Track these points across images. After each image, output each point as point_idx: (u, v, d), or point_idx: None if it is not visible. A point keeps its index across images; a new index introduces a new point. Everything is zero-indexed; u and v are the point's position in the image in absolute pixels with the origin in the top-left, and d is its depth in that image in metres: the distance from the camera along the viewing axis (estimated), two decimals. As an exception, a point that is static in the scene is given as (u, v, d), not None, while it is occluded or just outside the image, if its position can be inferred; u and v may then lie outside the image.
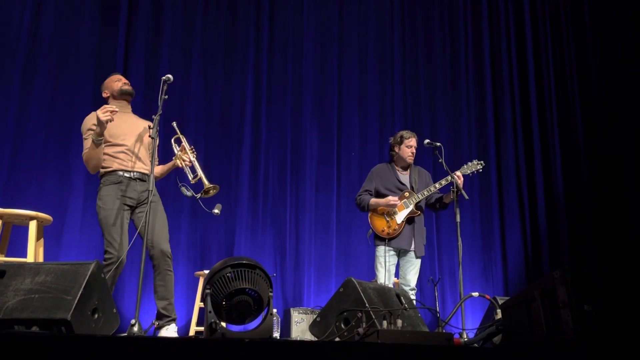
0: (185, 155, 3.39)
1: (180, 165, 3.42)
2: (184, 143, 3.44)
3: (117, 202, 3.26)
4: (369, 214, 4.06)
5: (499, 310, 3.20)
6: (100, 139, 3.25)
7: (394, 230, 3.92)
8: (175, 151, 3.46)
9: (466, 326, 3.74)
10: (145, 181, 3.38)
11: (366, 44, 6.57)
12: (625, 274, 2.15)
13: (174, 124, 3.51)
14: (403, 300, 2.82)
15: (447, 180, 3.92)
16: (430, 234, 6.18)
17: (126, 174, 3.33)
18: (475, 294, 3.70)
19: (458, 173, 3.92)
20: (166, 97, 3.42)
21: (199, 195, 3.27)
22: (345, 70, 6.43)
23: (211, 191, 3.31)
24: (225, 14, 6.10)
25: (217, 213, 3.39)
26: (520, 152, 6.57)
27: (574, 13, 6.79)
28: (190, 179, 3.34)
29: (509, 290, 6.11)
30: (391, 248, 3.93)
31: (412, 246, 3.96)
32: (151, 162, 3.03)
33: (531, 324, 2.16)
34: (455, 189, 3.87)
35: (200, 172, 3.33)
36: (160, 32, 5.82)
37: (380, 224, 3.97)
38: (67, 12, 5.50)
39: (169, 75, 3.37)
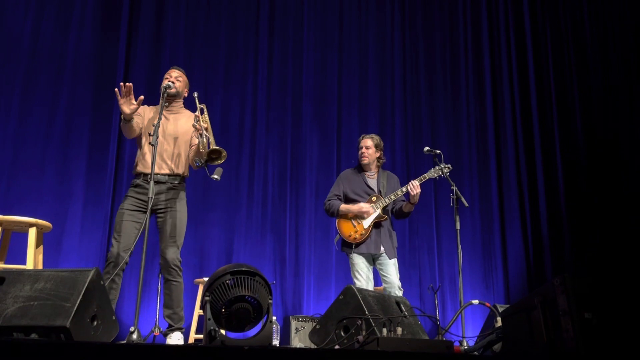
0: (198, 124, 3.28)
1: (197, 129, 3.29)
2: (199, 112, 3.35)
3: (130, 204, 3.29)
4: (337, 219, 4.02)
5: (499, 318, 3.19)
6: (129, 120, 3.24)
7: (361, 235, 3.88)
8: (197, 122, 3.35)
9: (466, 334, 3.73)
10: (164, 183, 3.35)
11: (366, 51, 6.60)
12: (627, 280, 2.15)
13: (195, 94, 3.47)
14: (403, 308, 2.82)
15: (407, 189, 3.89)
16: (430, 241, 6.17)
17: (144, 177, 3.33)
18: (476, 301, 3.69)
19: (415, 183, 3.88)
20: (166, 104, 3.43)
21: (204, 161, 3.23)
22: (345, 78, 6.45)
23: (217, 158, 3.21)
24: (226, 22, 6.12)
25: (217, 178, 3.27)
26: (521, 159, 6.57)
27: (574, 18, 6.81)
28: (201, 146, 3.24)
29: (510, 298, 6.09)
30: (362, 254, 3.89)
31: (382, 249, 3.91)
32: (151, 167, 3.03)
33: (531, 332, 2.16)
34: (454, 196, 3.86)
35: (211, 137, 3.24)
36: (160, 40, 5.85)
37: (347, 229, 3.93)
38: (68, 20, 5.53)
39: (169, 83, 3.38)
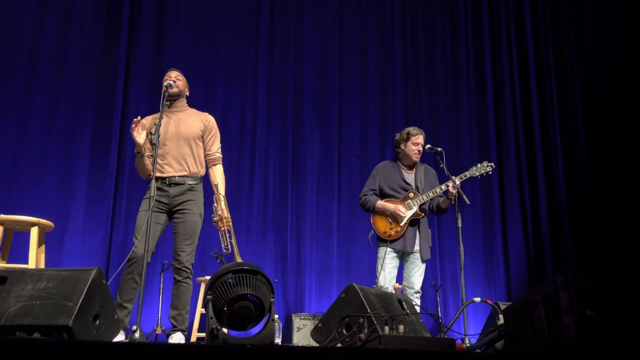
0: (221, 222, 3.26)
1: (218, 227, 3.29)
2: (220, 208, 3.29)
3: (148, 204, 3.23)
4: (372, 214, 3.96)
5: (501, 316, 3.19)
6: (139, 154, 3.31)
7: (397, 232, 3.83)
8: (215, 210, 3.32)
9: (468, 332, 3.73)
10: (182, 184, 3.36)
11: (367, 49, 6.59)
12: (628, 278, 2.15)
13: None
14: (405, 306, 2.82)
15: (447, 186, 3.83)
16: (432, 239, 6.17)
17: (162, 181, 3.33)
18: (478, 299, 3.68)
19: (457, 182, 3.83)
20: (167, 103, 3.44)
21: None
22: (346, 75, 6.45)
23: None
24: (227, 21, 6.12)
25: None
26: (522, 157, 6.57)
27: (575, 14, 6.80)
28: (222, 246, 3.24)
29: (511, 296, 6.09)
30: (392, 250, 3.83)
31: (416, 248, 3.86)
32: (153, 166, 3.03)
33: (533, 329, 2.16)
34: (456, 194, 3.84)
35: (234, 247, 3.16)
36: (161, 39, 5.85)
37: (382, 225, 3.88)
38: (68, 20, 5.53)
39: (170, 82, 3.38)
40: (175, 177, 3.36)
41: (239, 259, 3.11)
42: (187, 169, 3.40)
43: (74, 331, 2.05)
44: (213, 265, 5.40)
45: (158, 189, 3.31)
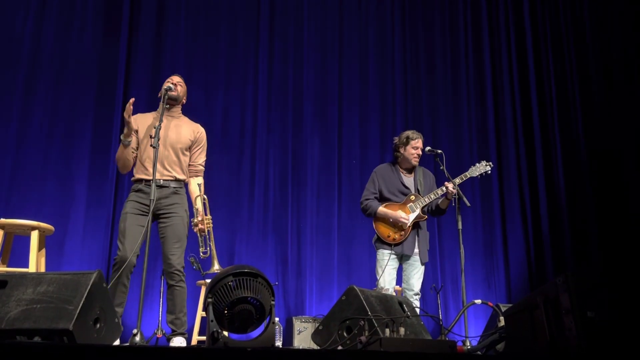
0: (201, 224, 3.30)
1: (194, 230, 3.33)
2: (201, 210, 3.33)
3: (133, 207, 3.28)
4: (374, 219, 3.94)
5: (502, 318, 3.19)
6: (127, 140, 3.30)
7: (401, 235, 3.81)
8: (196, 212, 3.37)
9: (469, 334, 3.73)
10: (167, 187, 3.36)
11: (367, 51, 6.60)
12: (629, 280, 2.15)
13: (201, 185, 3.49)
14: (405, 308, 2.82)
15: (446, 188, 3.84)
16: (432, 241, 6.16)
17: (146, 182, 3.33)
18: (478, 301, 3.68)
19: (457, 182, 3.85)
20: (167, 106, 3.44)
21: (204, 273, 3.23)
22: (346, 77, 6.45)
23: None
24: (226, 23, 6.13)
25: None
26: (522, 158, 6.57)
27: (574, 15, 6.80)
28: (200, 251, 3.27)
29: (512, 297, 6.09)
30: (393, 252, 3.81)
31: (416, 250, 3.86)
32: (153, 168, 3.03)
33: (534, 331, 2.16)
34: (456, 196, 3.84)
35: (213, 250, 3.22)
36: (161, 42, 5.85)
37: (385, 230, 3.86)
38: (68, 23, 5.54)
39: (170, 85, 3.39)
40: (160, 180, 3.35)
41: (216, 263, 3.16)
42: (171, 174, 3.41)
43: (74, 335, 2.05)
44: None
45: (142, 191, 3.33)
